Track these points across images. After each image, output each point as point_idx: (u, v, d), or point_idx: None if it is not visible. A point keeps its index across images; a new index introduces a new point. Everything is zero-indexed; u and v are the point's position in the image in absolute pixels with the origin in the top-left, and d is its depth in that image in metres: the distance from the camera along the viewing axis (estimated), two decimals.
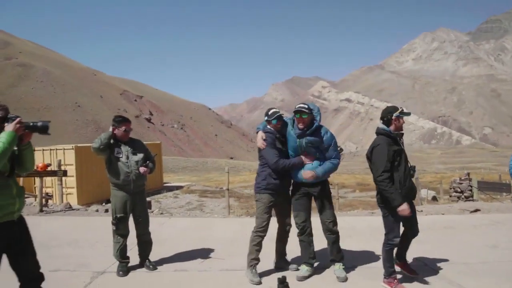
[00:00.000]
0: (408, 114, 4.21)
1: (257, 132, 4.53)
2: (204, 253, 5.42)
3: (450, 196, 16.40)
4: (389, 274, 4.12)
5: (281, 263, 4.73)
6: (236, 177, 36.31)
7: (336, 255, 4.50)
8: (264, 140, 4.36)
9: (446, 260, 5.07)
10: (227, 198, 10.65)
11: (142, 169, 4.56)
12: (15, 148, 2.80)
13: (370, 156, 4.07)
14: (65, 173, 10.49)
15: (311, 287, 4.22)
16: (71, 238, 6.26)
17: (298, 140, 4.29)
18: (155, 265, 4.80)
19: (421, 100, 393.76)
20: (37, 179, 12.17)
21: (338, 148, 4.45)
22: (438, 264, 4.91)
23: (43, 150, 16.59)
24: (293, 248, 4.75)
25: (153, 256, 4.98)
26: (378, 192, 4.09)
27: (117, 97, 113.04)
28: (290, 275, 4.26)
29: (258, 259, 4.38)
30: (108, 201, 10.16)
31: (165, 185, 22.80)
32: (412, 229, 4.32)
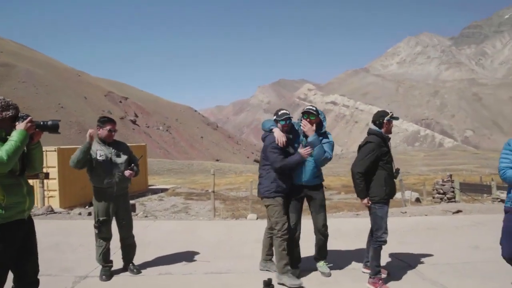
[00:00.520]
0: (397, 118, 4.41)
1: (269, 130, 4.40)
2: (189, 256, 5.37)
3: (433, 197, 16.65)
4: (375, 273, 4.17)
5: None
6: (222, 179, 36.22)
7: (321, 253, 4.62)
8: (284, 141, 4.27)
9: (429, 261, 5.14)
10: (212, 201, 10.61)
11: (127, 172, 4.50)
12: (24, 148, 2.80)
13: (360, 147, 4.31)
14: (47, 176, 10.31)
15: None
16: (53, 242, 6.11)
17: (307, 139, 4.31)
18: (139, 269, 4.73)
19: (405, 103, 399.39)
20: None
21: None
22: (422, 265, 4.97)
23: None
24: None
25: (137, 260, 4.92)
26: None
27: (101, 99, 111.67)
28: (275, 277, 4.26)
29: (289, 263, 4.31)
30: (91, 204, 10.01)
31: (150, 187, 22.55)
32: None
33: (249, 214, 9.64)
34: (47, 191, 14.02)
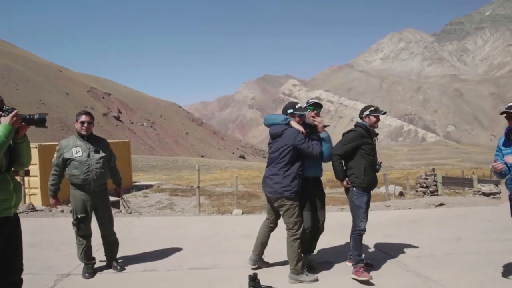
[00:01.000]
0: (381, 113, 4.44)
1: (287, 123, 4.22)
2: (174, 252, 5.32)
3: (416, 191, 16.87)
4: (357, 262, 4.24)
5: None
6: (207, 175, 36.07)
7: (310, 248, 4.62)
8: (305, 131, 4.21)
9: (413, 253, 5.21)
10: (197, 196, 10.54)
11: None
12: (10, 142, 2.70)
13: (344, 134, 4.51)
14: (27, 173, 10.07)
15: (282, 284, 4.19)
16: (34, 240, 5.97)
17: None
18: (122, 266, 4.66)
19: (389, 98, 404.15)
20: None
21: None
22: (406, 257, 5.04)
23: None
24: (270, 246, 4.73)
25: (121, 257, 4.85)
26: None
27: (84, 94, 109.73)
28: (261, 272, 4.25)
29: (305, 262, 4.30)
30: None
31: (134, 184, 22.30)
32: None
33: (235, 210, 9.64)
34: (28, 188, 13.72)
